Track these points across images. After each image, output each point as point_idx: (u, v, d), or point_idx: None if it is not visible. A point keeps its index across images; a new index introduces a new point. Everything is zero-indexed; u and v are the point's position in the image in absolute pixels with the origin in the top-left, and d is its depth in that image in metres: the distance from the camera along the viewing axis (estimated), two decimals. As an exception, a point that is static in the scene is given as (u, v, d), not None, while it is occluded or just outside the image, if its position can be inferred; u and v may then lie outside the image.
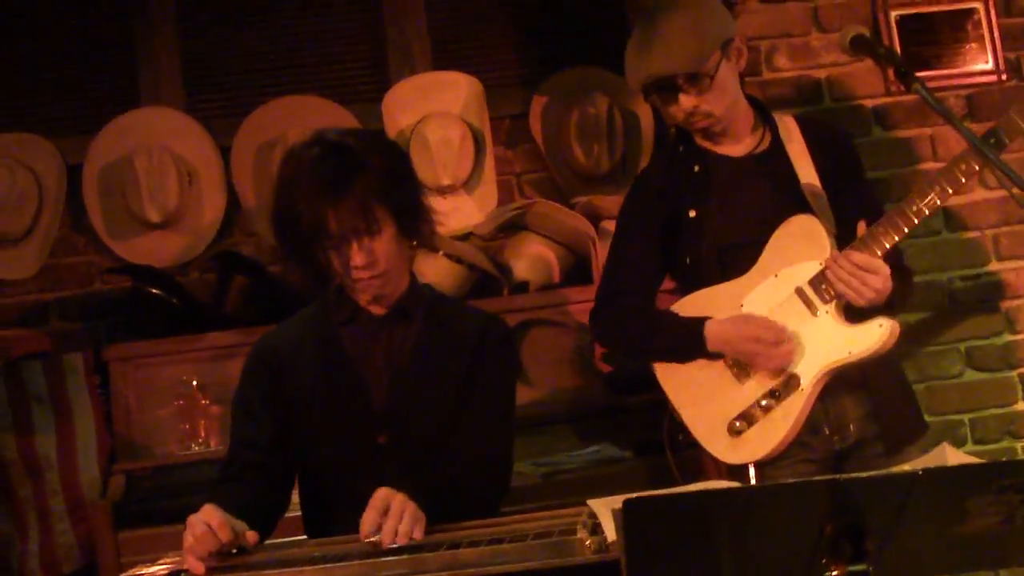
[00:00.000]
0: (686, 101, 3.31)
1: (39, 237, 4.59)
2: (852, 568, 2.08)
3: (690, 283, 3.44)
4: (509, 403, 3.05)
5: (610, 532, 2.24)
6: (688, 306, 3.41)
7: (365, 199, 2.79)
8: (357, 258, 2.82)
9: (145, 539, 3.73)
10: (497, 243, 4.61)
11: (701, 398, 3.35)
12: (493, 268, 4.38)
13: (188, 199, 4.57)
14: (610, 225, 4.33)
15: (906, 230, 3.15)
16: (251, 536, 2.59)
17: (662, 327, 3.40)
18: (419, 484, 2.63)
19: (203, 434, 4.15)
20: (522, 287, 4.38)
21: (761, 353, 3.23)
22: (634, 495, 1.92)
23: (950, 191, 3.15)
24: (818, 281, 3.22)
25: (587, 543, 2.28)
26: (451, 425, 2.93)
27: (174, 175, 4.49)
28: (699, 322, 3.32)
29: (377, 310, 2.98)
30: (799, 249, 3.26)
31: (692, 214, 3.41)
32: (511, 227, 4.51)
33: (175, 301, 4.34)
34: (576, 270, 4.47)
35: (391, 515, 2.51)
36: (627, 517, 1.92)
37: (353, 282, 2.88)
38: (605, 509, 2.35)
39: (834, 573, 2.09)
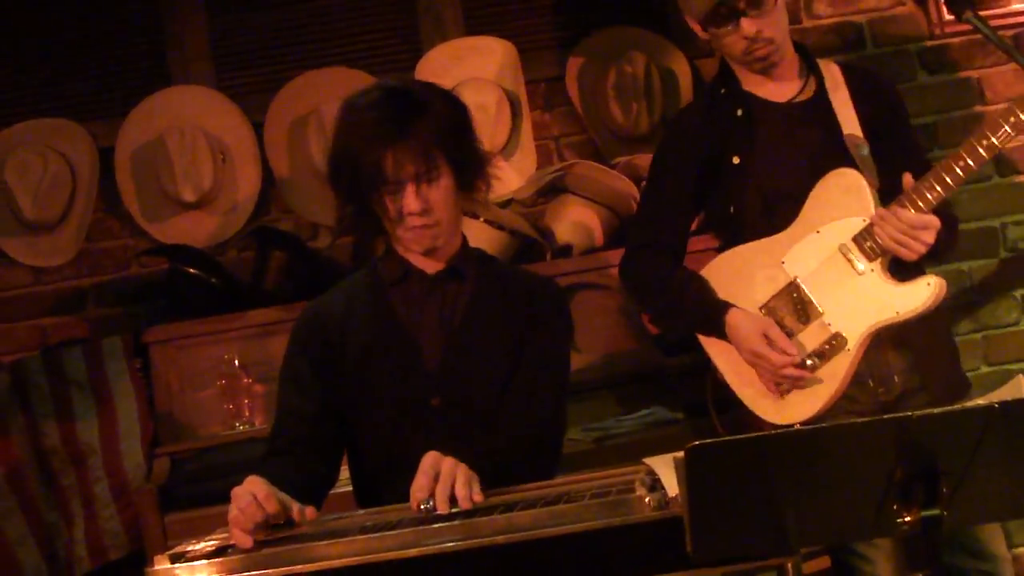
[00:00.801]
0: (748, 25, 3.24)
1: (74, 223, 4.54)
2: (925, 512, 2.00)
3: (733, 232, 3.39)
4: (563, 367, 2.98)
5: (671, 487, 2.17)
6: (726, 265, 3.37)
7: (426, 142, 2.73)
8: (413, 203, 2.75)
9: (192, 521, 3.66)
10: (538, 208, 4.55)
11: (743, 360, 3.29)
12: (535, 233, 4.31)
13: (222, 177, 4.52)
14: None
15: (953, 186, 3.08)
16: (309, 512, 2.51)
17: (685, 305, 3.37)
18: (472, 450, 2.56)
19: (247, 413, 4.11)
20: (565, 251, 4.32)
21: (758, 368, 3.22)
22: (697, 442, 1.83)
23: (999, 146, 3.07)
24: (863, 238, 3.15)
25: (647, 500, 2.21)
26: (504, 389, 2.86)
27: (207, 153, 4.44)
28: (721, 310, 3.27)
29: (429, 267, 2.91)
30: (842, 204, 3.19)
31: (736, 160, 3.34)
32: (551, 191, 4.44)
33: (214, 280, 4.30)
34: (619, 232, 4.38)
35: (442, 480, 2.43)
36: (690, 465, 1.84)
37: (406, 230, 2.81)
38: (664, 464, 2.27)
39: (906, 518, 2.01)
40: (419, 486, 2.44)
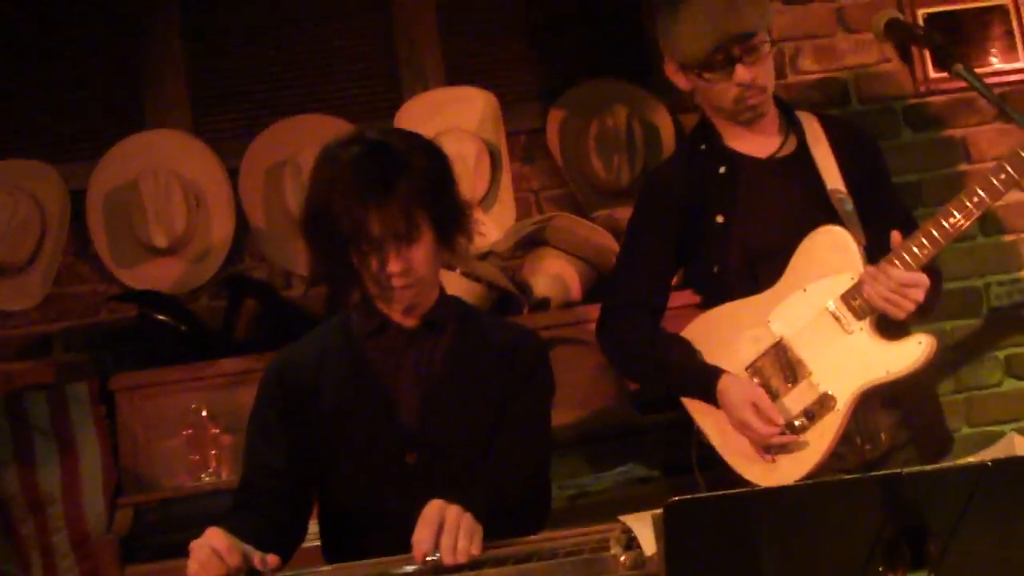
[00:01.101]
0: (743, 73, 3.18)
1: (42, 266, 4.47)
2: (912, 574, 1.91)
3: (717, 293, 3.31)
4: (547, 423, 2.92)
5: (647, 545, 2.10)
6: (709, 324, 3.29)
7: (409, 202, 2.65)
8: (394, 264, 2.67)
9: (153, 574, 3.57)
10: (516, 261, 4.48)
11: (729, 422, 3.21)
12: (512, 286, 4.25)
13: (196, 223, 4.45)
14: None
15: (943, 243, 3.03)
16: (272, 560, 2.42)
17: (670, 369, 3.28)
18: (463, 504, 2.47)
19: (214, 464, 4.02)
20: (542, 305, 4.26)
21: (746, 435, 3.14)
22: (676, 498, 1.75)
23: (988, 201, 3.01)
24: (851, 296, 3.10)
25: (622, 559, 2.16)
26: (484, 445, 2.79)
27: (181, 198, 4.37)
28: (714, 376, 3.18)
29: (406, 322, 2.83)
30: (829, 262, 3.14)
31: (720, 219, 3.27)
32: (530, 243, 4.38)
33: (183, 328, 4.24)
34: (598, 286, 4.33)
35: (447, 530, 2.36)
36: (668, 522, 1.76)
37: (386, 290, 2.74)
38: (641, 521, 2.20)
39: (895, 584, 1.92)
40: (423, 537, 2.36)
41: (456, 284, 3.97)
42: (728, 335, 3.23)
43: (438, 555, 2.32)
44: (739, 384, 3.15)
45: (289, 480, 2.79)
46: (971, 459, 2.02)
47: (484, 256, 4.40)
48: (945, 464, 2.02)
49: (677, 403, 3.50)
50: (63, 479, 4.06)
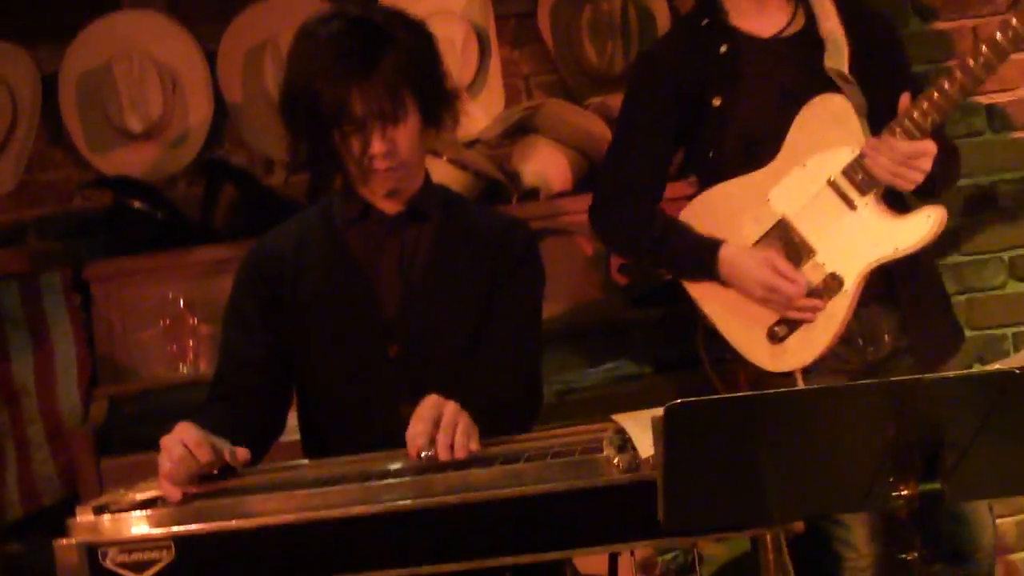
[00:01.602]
0: None
1: (14, 152, 4.32)
2: (924, 486, 1.81)
3: (713, 178, 3.20)
4: (538, 316, 2.82)
5: (643, 447, 1.99)
6: (706, 206, 3.19)
7: (394, 80, 2.52)
8: (378, 145, 2.55)
9: (129, 467, 3.49)
10: (504, 150, 4.36)
11: (736, 305, 3.12)
12: (500, 175, 4.14)
13: (172, 107, 4.30)
14: None
15: (947, 107, 2.91)
16: (241, 453, 2.34)
17: (671, 244, 3.18)
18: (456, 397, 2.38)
19: (191, 356, 3.95)
20: (532, 195, 4.15)
21: (770, 304, 3.04)
22: (678, 400, 1.64)
23: (995, 61, 2.90)
24: (853, 170, 2.98)
25: (615, 461, 2.05)
26: (469, 338, 2.68)
27: (156, 82, 4.22)
28: (713, 247, 3.09)
29: (389, 208, 2.71)
30: (828, 134, 3.02)
31: (716, 102, 3.15)
32: (519, 131, 4.24)
33: (160, 215, 4.11)
34: (589, 176, 4.19)
35: (444, 426, 2.26)
36: (669, 425, 1.64)
37: (369, 173, 2.61)
38: (636, 422, 2.09)
39: (902, 491, 1.82)
40: (418, 432, 2.27)
41: (442, 172, 3.86)
42: (727, 216, 3.13)
43: (433, 450, 2.23)
44: (747, 251, 3.06)
45: (266, 373, 2.70)
46: (998, 366, 1.91)
47: (471, 144, 4.28)
48: (971, 371, 1.89)
49: (669, 297, 3.48)
50: (37, 370, 3.97)
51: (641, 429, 2.05)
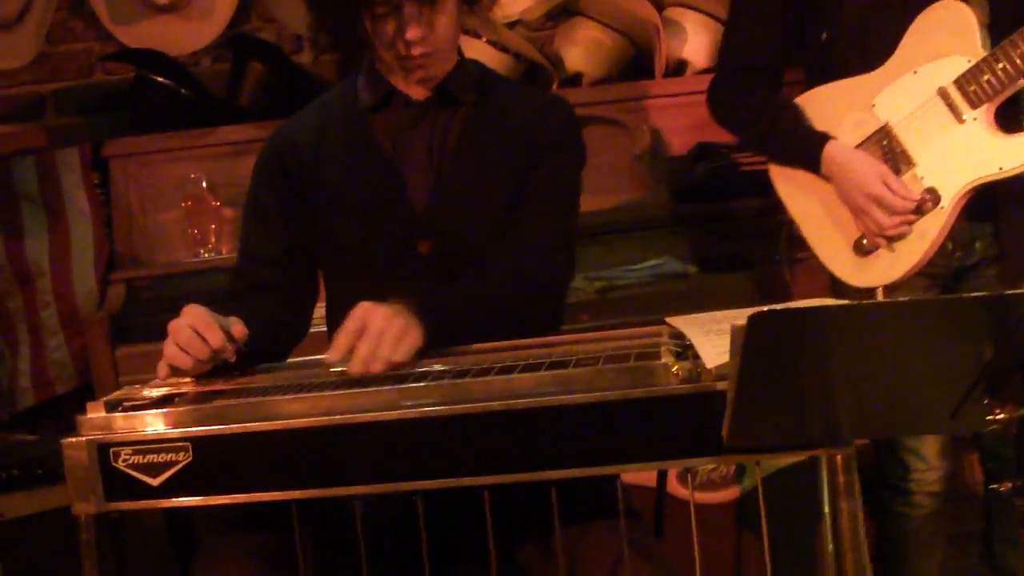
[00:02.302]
0: None
1: (33, 21, 4.14)
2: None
3: (823, 65, 3.02)
4: (573, 198, 2.58)
5: (708, 357, 1.80)
6: (809, 103, 3.02)
7: None
8: (414, 30, 2.35)
9: (147, 356, 3.28)
10: (546, 32, 4.21)
11: (824, 210, 2.97)
12: (542, 58, 3.97)
13: None
14: (676, 13, 4.00)
15: None
16: (237, 329, 2.17)
17: (782, 125, 3.01)
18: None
19: (213, 240, 3.85)
20: (574, 80, 3.99)
21: (867, 215, 2.85)
22: (759, 308, 1.46)
23: None
24: (967, 81, 2.78)
25: (675, 369, 1.85)
26: (503, 232, 2.48)
27: (184, -51, 4.11)
28: (822, 139, 2.92)
29: (417, 93, 2.50)
30: (944, 41, 2.82)
31: None
32: (563, 12, 4.10)
33: (184, 91, 4.00)
34: (635, 62, 4.06)
35: (367, 335, 2.08)
36: (751, 334, 1.46)
37: (401, 59, 2.41)
38: (697, 327, 1.91)
39: (999, 415, 1.65)
40: (336, 344, 2.10)
41: (480, 53, 3.68)
42: (830, 118, 2.96)
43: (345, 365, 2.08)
44: (861, 154, 2.89)
45: (287, 271, 2.53)
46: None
47: (512, 25, 4.12)
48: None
49: (718, 192, 3.51)
50: (52, 251, 3.87)
51: (704, 335, 1.88)
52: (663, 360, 1.88)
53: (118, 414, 2.02)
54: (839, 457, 1.84)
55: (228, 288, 2.58)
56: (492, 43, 3.85)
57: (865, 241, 2.89)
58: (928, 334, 1.61)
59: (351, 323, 2.10)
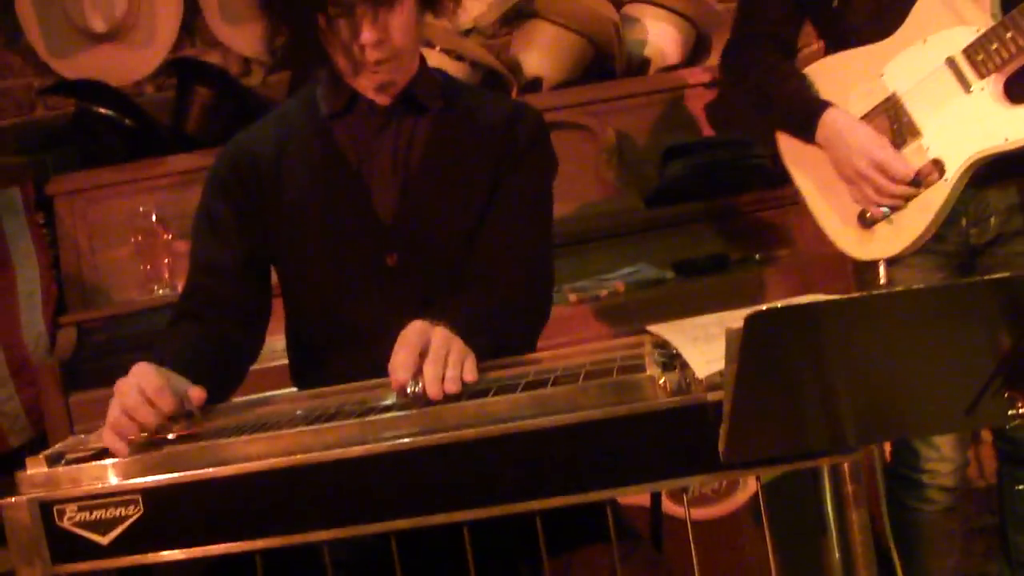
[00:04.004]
0: None
1: (-33, 58, 4.15)
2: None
3: (836, 35, 2.95)
4: (547, 209, 2.51)
5: (698, 365, 1.66)
6: (819, 74, 2.96)
7: None
8: (369, 33, 2.24)
9: (102, 402, 3.06)
10: (502, 39, 4.12)
11: (830, 181, 2.89)
12: (499, 65, 3.87)
13: (137, 4, 4.11)
14: (635, 10, 3.92)
15: None
16: (195, 394, 2.01)
17: (783, 93, 2.96)
18: (448, 313, 2.08)
19: (167, 275, 3.74)
20: (534, 85, 3.90)
21: (869, 181, 2.79)
22: (754, 308, 1.31)
23: None
24: (975, 50, 2.69)
25: (661, 382, 1.72)
26: (473, 242, 2.38)
27: (119, -24, 4.04)
28: (821, 105, 2.87)
29: (381, 99, 2.39)
30: (954, 10, 2.74)
31: None
32: (519, 15, 3.99)
33: (128, 121, 3.89)
34: (595, 63, 3.96)
35: (433, 356, 1.93)
36: (748, 337, 1.31)
37: (358, 65, 2.31)
38: (682, 335, 1.77)
39: (1021, 409, 1.51)
40: (400, 363, 1.93)
41: (436, 64, 3.54)
42: (839, 87, 2.90)
43: (420, 385, 1.90)
44: (859, 122, 2.83)
45: (241, 284, 2.40)
46: None
47: (467, 33, 4.03)
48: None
49: (689, 193, 3.38)
50: (-3, 297, 3.78)
51: (691, 343, 1.74)
52: (649, 372, 1.77)
53: (60, 468, 1.88)
54: (846, 465, 1.72)
55: (177, 307, 2.45)
56: (447, 52, 3.76)
57: (868, 214, 2.82)
58: (939, 324, 1.48)
59: (411, 340, 1.96)
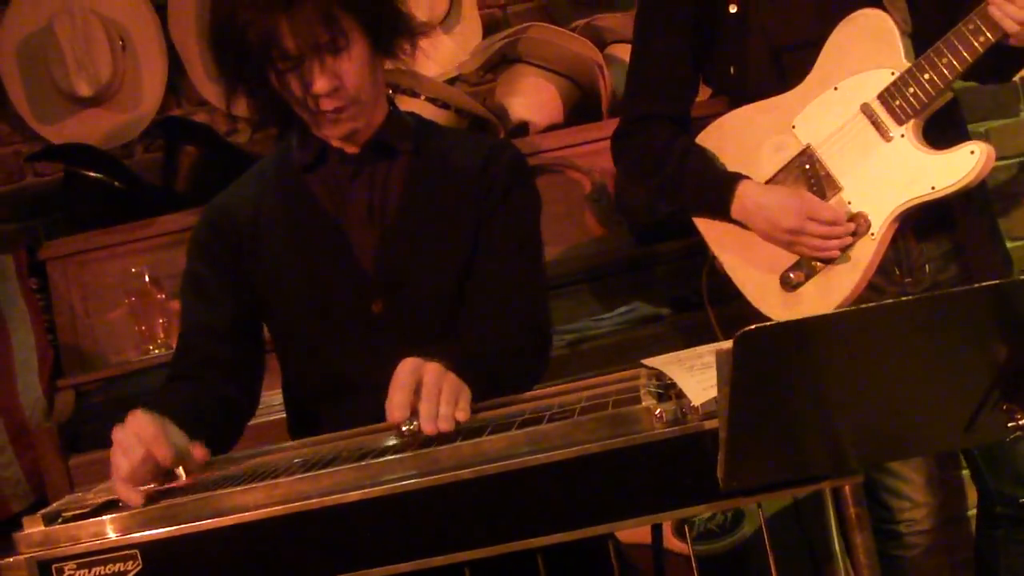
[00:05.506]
0: None
1: (-44, 128, 4.14)
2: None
3: (739, 97, 2.88)
4: (534, 244, 2.48)
5: (694, 394, 1.65)
6: (725, 131, 2.87)
7: (326, 4, 2.21)
8: (319, 82, 2.25)
9: (102, 463, 3.07)
10: (486, 86, 4.12)
11: (748, 244, 2.81)
12: (485, 111, 3.84)
13: (123, 67, 4.08)
14: (619, 50, 3.92)
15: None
16: (198, 452, 2.01)
17: (687, 176, 2.87)
18: (447, 358, 2.06)
19: (162, 335, 3.72)
20: (521, 130, 3.86)
21: (806, 237, 2.71)
22: (754, 326, 1.30)
23: None
24: (891, 95, 2.63)
25: (657, 412, 1.71)
26: (460, 283, 2.38)
27: (104, 40, 3.99)
28: (732, 181, 2.78)
29: (349, 148, 2.41)
30: (864, 54, 2.68)
31: (733, 8, 2.81)
32: (502, 61, 3.96)
33: (117, 184, 3.88)
34: (581, 105, 3.94)
35: (425, 393, 1.92)
36: (740, 357, 1.30)
37: (317, 116, 2.32)
38: (677, 365, 1.77)
39: (1021, 421, 1.50)
40: (396, 403, 1.93)
41: (421, 112, 3.54)
42: (746, 144, 2.82)
43: (415, 423, 1.90)
44: (773, 188, 2.75)
45: (233, 343, 2.42)
46: None
47: (452, 81, 4.01)
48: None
49: (680, 230, 3.24)
50: (-7, 364, 3.77)
51: (687, 372, 1.73)
52: (644, 404, 1.76)
53: (58, 526, 1.86)
54: (847, 487, 1.70)
55: (170, 368, 2.45)
56: (432, 100, 3.73)
57: (792, 275, 2.75)
58: (933, 336, 1.47)
59: (404, 380, 1.95)
